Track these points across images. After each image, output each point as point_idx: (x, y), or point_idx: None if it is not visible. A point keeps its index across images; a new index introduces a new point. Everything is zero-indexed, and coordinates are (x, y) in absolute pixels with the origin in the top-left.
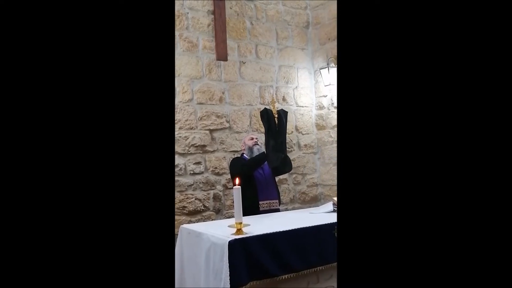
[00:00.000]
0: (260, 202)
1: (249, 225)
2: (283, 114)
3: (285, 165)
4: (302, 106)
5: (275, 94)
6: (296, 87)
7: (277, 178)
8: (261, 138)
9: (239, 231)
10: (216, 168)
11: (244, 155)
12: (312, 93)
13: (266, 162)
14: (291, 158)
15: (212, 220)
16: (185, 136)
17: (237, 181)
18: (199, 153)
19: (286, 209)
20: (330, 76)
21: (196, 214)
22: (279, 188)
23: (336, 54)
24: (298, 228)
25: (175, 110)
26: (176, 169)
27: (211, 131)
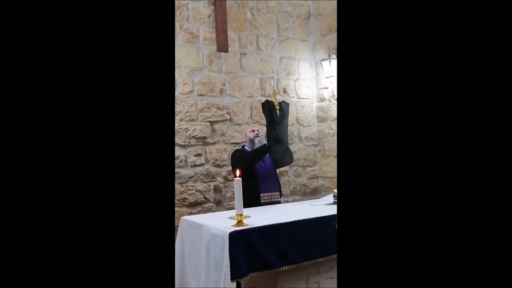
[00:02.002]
0: (261, 194)
1: (250, 216)
2: (284, 106)
3: (286, 157)
4: (303, 98)
5: (276, 86)
6: (297, 78)
7: (277, 170)
8: (262, 130)
9: (239, 222)
10: (216, 160)
11: (246, 147)
12: (313, 85)
13: (267, 154)
14: (292, 150)
15: (212, 211)
16: (186, 128)
17: (237, 172)
18: (200, 145)
19: (287, 201)
20: (331, 68)
21: (196, 206)
22: (279, 180)
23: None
24: (298, 220)
25: (176, 101)
26: (177, 161)
27: (211, 123)
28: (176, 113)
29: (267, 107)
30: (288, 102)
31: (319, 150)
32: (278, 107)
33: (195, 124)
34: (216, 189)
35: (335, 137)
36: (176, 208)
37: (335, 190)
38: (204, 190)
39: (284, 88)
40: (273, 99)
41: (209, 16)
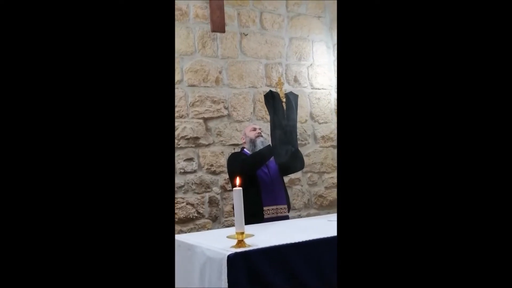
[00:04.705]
0: (265, 208)
1: (253, 235)
2: (292, 98)
3: (295, 162)
4: (319, 88)
5: (285, 73)
6: (311, 64)
7: (286, 178)
8: (266, 129)
9: (240, 243)
10: (212, 165)
11: (245, 149)
12: (331, 71)
13: (272, 158)
14: (305, 153)
15: (207, 229)
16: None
17: (237, 181)
18: (191, 147)
19: (299, 216)
20: None
21: (188, 223)
22: (289, 190)
23: None
24: (313, 240)
25: None
26: None
27: (205, 120)
28: None
29: (271, 99)
30: (297, 93)
31: None
32: (284, 100)
33: (185, 122)
34: (212, 202)
35: None
36: None
37: None
38: (197, 203)
39: (295, 76)
40: (279, 90)
41: None
